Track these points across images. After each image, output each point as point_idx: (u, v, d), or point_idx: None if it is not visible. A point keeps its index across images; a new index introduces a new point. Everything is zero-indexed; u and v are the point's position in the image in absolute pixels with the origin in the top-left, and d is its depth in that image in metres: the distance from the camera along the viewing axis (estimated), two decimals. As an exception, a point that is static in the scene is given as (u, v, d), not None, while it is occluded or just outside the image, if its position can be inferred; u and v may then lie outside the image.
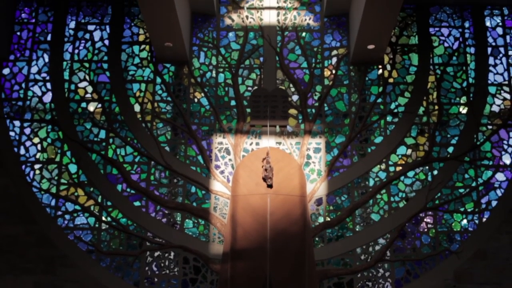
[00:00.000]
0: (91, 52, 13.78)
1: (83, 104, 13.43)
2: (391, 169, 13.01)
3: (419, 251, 12.61)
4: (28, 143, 13.22)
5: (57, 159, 13.09)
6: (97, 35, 13.92)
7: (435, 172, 12.98)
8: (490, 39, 14.01)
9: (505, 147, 13.27)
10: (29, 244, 12.50)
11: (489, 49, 13.93)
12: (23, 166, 13.06)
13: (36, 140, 13.26)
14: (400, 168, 12.97)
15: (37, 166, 13.08)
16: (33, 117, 13.35)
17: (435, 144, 13.06)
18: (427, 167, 13.00)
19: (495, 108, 13.56)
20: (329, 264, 12.47)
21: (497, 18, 14.18)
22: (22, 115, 13.38)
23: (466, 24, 14.09)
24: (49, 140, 13.24)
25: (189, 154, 13.06)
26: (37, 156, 13.14)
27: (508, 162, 13.20)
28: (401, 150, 13.14)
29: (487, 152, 13.21)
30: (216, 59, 13.62)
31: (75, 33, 13.93)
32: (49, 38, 13.94)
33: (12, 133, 13.25)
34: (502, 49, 13.95)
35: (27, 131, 13.29)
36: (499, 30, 14.13)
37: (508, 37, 14.06)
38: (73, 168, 13.02)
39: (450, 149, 13.16)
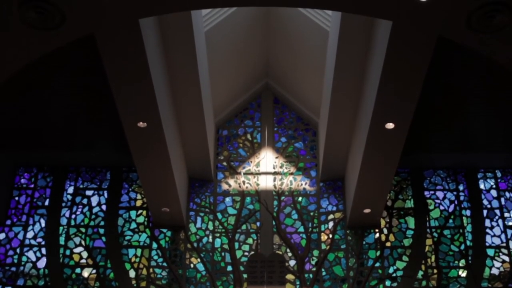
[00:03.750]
0: (88, 217, 13.79)
1: (78, 270, 13.24)
2: (393, 336, 12.68)
3: None
4: (18, 310, 12.94)
5: (47, 327, 12.75)
6: (94, 200, 14.00)
7: None
8: (485, 202, 14.11)
9: (508, 310, 13.03)
10: None
11: (485, 212, 13.99)
12: (11, 335, 12.70)
13: (27, 307, 12.98)
14: (402, 335, 12.64)
15: (26, 335, 12.71)
16: (26, 283, 13.07)
17: (437, 308, 12.81)
18: (429, 334, 12.66)
19: (494, 271, 13.38)
20: None
21: (490, 181, 14.37)
22: (15, 281, 13.09)
23: (461, 187, 14.26)
24: (40, 307, 12.95)
25: (184, 322, 12.76)
26: (27, 324, 12.81)
27: (512, 326, 12.90)
28: (402, 315, 12.87)
29: (490, 316, 12.95)
30: (213, 224, 13.64)
31: (73, 198, 14.02)
32: (46, 203, 13.98)
33: (3, 300, 13.00)
34: (497, 211, 14.02)
35: (19, 297, 13.05)
36: (493, 193, 14.26)
37: (502, 199, 14.17)
38: (62, 337, 12.65)
39: (452, 314, 12.90)
